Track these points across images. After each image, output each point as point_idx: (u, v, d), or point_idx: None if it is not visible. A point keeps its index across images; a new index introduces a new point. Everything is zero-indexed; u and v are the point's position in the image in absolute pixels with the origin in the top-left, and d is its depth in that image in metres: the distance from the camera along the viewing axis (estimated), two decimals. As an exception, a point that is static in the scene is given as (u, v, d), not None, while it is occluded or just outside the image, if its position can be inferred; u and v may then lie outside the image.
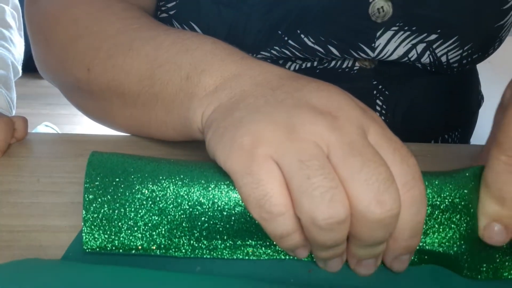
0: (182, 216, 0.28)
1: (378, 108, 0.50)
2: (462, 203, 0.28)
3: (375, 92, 0.50)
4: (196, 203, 0.27)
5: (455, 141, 0.56)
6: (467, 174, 0.29)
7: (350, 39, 0.45)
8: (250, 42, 0.46)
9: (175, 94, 0.33)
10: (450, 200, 0.28)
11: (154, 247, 0.28)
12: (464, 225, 0.29)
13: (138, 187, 0.27)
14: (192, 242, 0.28)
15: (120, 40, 0.38)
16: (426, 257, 0.30)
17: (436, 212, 0.28)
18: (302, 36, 0.45)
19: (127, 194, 0.27)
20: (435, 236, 0.29)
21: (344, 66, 0.48)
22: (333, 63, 0.48)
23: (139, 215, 0.28)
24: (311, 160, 0.24)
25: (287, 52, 0.46)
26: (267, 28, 0.45)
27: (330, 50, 0.46)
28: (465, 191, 0.28)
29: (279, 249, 0.29)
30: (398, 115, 0.51)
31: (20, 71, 0.66)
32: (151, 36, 0.37)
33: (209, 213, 0.27)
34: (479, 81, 0.60)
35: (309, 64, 0.48)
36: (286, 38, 0.45)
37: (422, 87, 0.51)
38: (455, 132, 0.55)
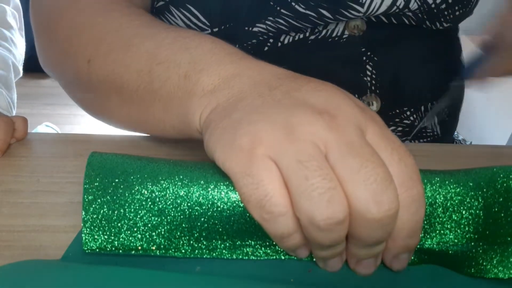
0: (181, 216, 0.28)
1: (368, 73, 0.51)
2: (464, 201, 0.28)
3: (364, 58, 0.51)
4: (196, 203, 0.27)
5: (443, 109, 0.57)
6: (471, 172, 0.29)
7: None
8: (244, 16, 0.47)
9: (173, 92, 0.33)
10: (450, 198, 0.28)
11: (154, 248, 0.28)
12: (466, 223, 0.29)
13: (137, 187, 0.27)
14: (191, 242, 0.28)
15: (122, 34, 0.38)
16: (426, 256, 0.30)
17: (437, 211, 0.29)
18: (293, 3, 0.46)
19: (127, 194, 0.27)
20: (435, 235, 0.29)
21: (334, 35, 0.50)
22: (323, 32, 0.50)
23: (138, 216, 0.28)
24: (310, 160, 0.24)
25: (281, 21, 0.47)
26: (259, 0, 0.46)
27: (322, 13, 0.47)
28: (467, 189, 0.28)
29: (279, 249, 0.29)
30: (386, 81, 0.52)
31: (21, 71, 0.66)
32: (152, 33, 0.37)
33: (209, 213, 0.27)
34: (462, 52, 0.62)
35: (301, 36, 0.49)
36: (278, 8, 0.46)
37: (408, 51, 0.53)
38: None
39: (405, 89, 0.53)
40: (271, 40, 0.49)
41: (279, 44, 0.49)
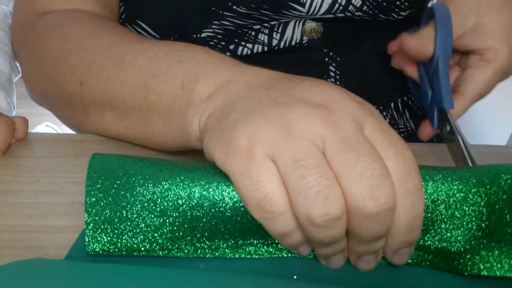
0: (183, 217, 0.28)
1: (332, 74, 0.51)
2: (467, 198, 0.28)
3: (327, 59, 0.51)
4: (197, 204, 0.27)
5: (416, 104, 0.57)
6: (474, 170, 0.29)
7: (279, 0, 0.47)
8: (191, 25, 0.48)
9: (170, 104, 0.34)
10: (453, 195, 0.28)
11: (156, 249, 0.28)
12: (469, 220, 0.29)
13: (139, 189, 0.27)
14: (194, 242, 0.28)
15: (113, 53, 0.38)
16: (428, 255, 0.30)
17: (439, 208, 0.28)
18: (234, 7, 0.47)
19: (128, 196, 0.27)
20: (437, 232, 0.29)
21: (293, 43, 0.50)
22: (282, 44, 0.50)
23: (140, 217, 0.28)
24: (306, 159, 0.24)
25: (226, 23, 0.48)
26: (201, 7, 0.47)
27: (264, 13, 0.47)
28: (470, 185, 0.28)
29: (281, 247, 0.29)
30: (352, 80, 0.52)
31: (20, 70, 0.66)
32: (143, 49, 0.37)
33: (210, 214, 0.27)
34: None
35: (260, 49, 0.50)
36: (221, 12, 0.47)
37: (372, 49, 0.52)
38: None
39: (373, 87, 0.53)
40: (228, 53, 0.49)
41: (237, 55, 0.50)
